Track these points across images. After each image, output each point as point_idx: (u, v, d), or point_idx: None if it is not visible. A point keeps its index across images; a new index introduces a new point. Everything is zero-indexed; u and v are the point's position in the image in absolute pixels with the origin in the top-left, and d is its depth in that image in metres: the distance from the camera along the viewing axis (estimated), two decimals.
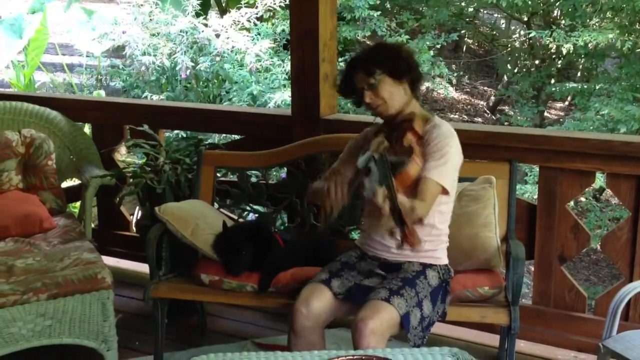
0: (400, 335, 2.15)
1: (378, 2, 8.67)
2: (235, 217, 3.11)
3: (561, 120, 9.89)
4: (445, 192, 2.21)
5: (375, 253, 2.37)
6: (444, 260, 2.37)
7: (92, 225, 3.25)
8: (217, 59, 6.58)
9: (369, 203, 2.00)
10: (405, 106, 2.27)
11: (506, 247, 2.54)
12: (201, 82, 6.84)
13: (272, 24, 7.44)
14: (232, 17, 6.82)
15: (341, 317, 2.33)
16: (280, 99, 6.41)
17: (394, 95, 2.24)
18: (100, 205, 3.85)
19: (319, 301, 2.23)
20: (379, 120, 2.36)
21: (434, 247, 2.34)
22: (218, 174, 3.07)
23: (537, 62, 10.06)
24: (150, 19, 6.81)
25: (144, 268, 3.29)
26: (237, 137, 3.72)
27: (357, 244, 2.48)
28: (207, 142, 3.42)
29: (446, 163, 2.20)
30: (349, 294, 2.25)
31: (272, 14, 7.36)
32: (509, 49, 11.11)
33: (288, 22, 4.54)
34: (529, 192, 6.63)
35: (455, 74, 9.43)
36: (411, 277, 2.23)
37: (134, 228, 3.80)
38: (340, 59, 7.83)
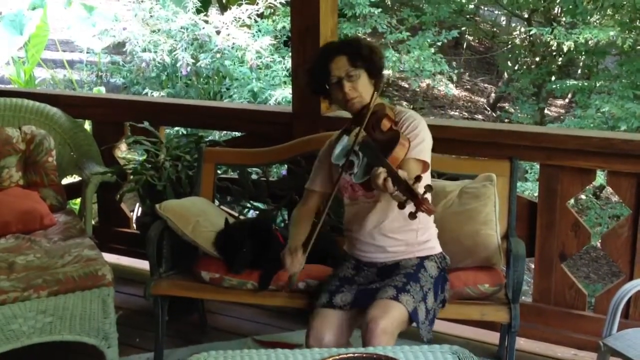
0: (402, 332, 2.15)
1: None
2: (236, 214, 3.11)
3: (562, 117, 9.88)
4: (426, 167, 2.25)
5: (370, 258, 2.35)
6: (438, 248, 2.39)
7: (93, 222, 3.25)
8: (218, 55, 6.57)
9: (367, 185, 2.04)
10: (372, 100, 2.34)
11: (507, 244, 2.54)
12: (202, 79, 6.83)
13: (273, 21, 7.43)
14: (233, 14, 6.81)
15: (356, 327, 2.26)
16: (280, 96, 6.41)
17: (367, 90, 2.32)
18: (101, 202, 3.85)
19: (329, 333, 2.18)
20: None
21: (426, 237, 2.35)
22: (219, 171, 3.07)
23: (537, 59, 10.05)
24: (151, 16, 6.80)
25: (144, 265, 3.29)
26: (237, 134, 3.72)
27: (348, 252, 2.45)
28: (207, 139, 3.42)
29: (423, 141, 2.26)
30: (355, 301, 2.22)
31: (272, 10, 7.35)
32: (510, 46, 11.10)
33: (289, 18, 4.53)
34: (530, 189, 6.61)
35: (456, 71, 9.40)
36: (413, 271, 2.24)
37: (134, 225, 3.80)
38: None
